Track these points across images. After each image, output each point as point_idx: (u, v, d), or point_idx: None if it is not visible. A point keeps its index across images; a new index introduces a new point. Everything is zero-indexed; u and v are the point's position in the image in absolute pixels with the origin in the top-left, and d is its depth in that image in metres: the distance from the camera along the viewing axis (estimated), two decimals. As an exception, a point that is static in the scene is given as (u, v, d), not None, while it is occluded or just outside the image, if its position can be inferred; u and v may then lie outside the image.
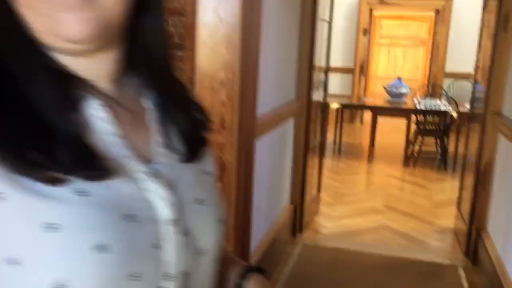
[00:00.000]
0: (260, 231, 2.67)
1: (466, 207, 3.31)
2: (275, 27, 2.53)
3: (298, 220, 3.42)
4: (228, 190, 2.02)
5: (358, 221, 3.83)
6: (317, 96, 3.69)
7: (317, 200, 3.96)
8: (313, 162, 3.79)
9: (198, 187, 0.59)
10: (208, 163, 0.65)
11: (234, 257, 0.73)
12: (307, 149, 3.36)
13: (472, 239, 3.15)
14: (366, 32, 8.24)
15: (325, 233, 3.56)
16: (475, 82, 3.47)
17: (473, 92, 3.46)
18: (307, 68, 3.20)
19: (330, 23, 3.70)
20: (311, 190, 3.81)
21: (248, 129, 2.06)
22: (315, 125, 3.75)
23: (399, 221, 3.84)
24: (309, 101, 3.28)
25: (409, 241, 3.47)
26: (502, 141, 2.82)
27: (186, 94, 0.65)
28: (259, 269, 0.70)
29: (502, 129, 2.75)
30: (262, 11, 2.01)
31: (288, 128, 3.14)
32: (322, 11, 3.55)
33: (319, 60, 3.71)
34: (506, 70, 2.86)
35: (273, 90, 2.65)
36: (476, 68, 3.43)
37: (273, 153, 2.81)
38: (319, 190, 3.96)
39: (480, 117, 3.13)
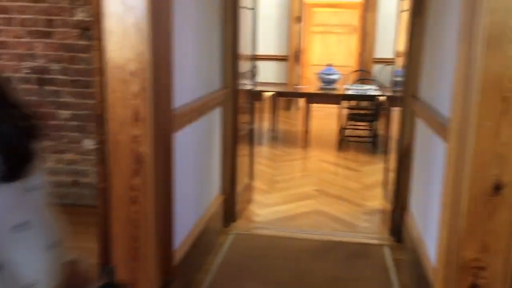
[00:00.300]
0: (188, 223, 2.63)
1: (391, 187, 3.43)
2: (192, 15, 2.48)
3: (229, 209, 3.41)
4: (146, 184, 1.96)
5: (291, 207, 3.88)
6: (250, 84, 3.68)
7: (250, 188, 3.97)
8: (245, 150, 3.79)
9: (19, 211, 0.53)
10: (37, 177, 0.58)
11: (89, 276, 0.68)
12: (236, 138, 3.35)
13: (396, 219, 3.27)
14: (299, 20, 8.33)
15: (258, 221, 3.57)
16: (396, 68, 3.59)
17: (394, 77, 3.58)
18: (231, 57, 3.18)
19: (254, 10, 3.69)
20: (243, 179, 3.81)
21: (165, 121, 2.01)
22: (246, 113, 3.75)
23: (331, 205, 3.93)
24: (236, 90, 3.26)
25: (340, 224, 3.56)
26: (419, 124, 2.93)
27: (7, 103, 0.55)
28: (116, 286, 0.65)
29: (418, 112, 2.87)
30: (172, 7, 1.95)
31: (215, 117, 3.11)
32: (246, -1, 3.52)
33: (248, 48, 3.70)
34: (421, 55, 2.97)
35: (194, 79, 2.60)
36: (396, 53, 3.55)
37: (199, 144, 2.77)
38: (251, 178, 3.97)
39: (400, 100, 3.24)
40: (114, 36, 1.85)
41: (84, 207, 3.53)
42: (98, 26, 1.87)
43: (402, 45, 3.35)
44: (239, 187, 3.58)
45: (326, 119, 7.65)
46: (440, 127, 2.30)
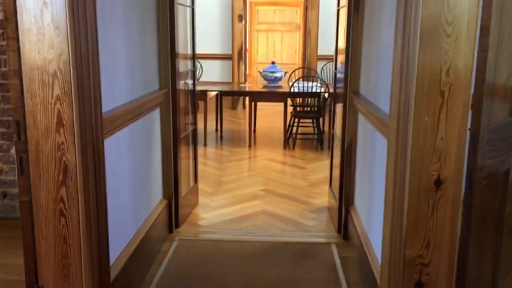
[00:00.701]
0: (126, 234, 2.48)
1: (336, 184, 3.42)
2: (121, 11, 2.33)
3: (173, 215, 3.27)
4: (74, 195, 1.80)
5: (237, 208, 3.79)
6: (191, 84, 3.55)
7: (195, 191, 3.84)
8: (188, 152, 3.66)
9: None
10: None
11: None
12: (176, 140, 3.22)
13: (342, 216, 3.26)
14: (242, 18, 8.25)
15: (204, 225, 3.46)
16: (337, 64, 3.58)
17: (335, 73, 3.57)
18: (168, 56, 3.04)
19: (192, 8, 3.56)
20: (188, 182, 3.69)
21: (93, 126, 1.86)
22: (188, 114, 3.62)
23: (278, 205, 3.88)
24: (175, 90, 3.13)
25: (287, 224, 3.51)
26: (361, 120, 2.93)
27: None
28: None
29: (360, 108, 2.86)
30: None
31: (154, 119, 2.97)
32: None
33: (187, 47, 3.57)
34: (359, 51, 2.97)
35: (127, 80, 2.45)
36: (336, 49, 3.54)
37: (136, 148, 2.63)
38: (195, 180, 3.85)
39: (341, 97, 3.23)
40: (30, 35, 1.69)
41: (14, 220, 3.28)
42: (12, 23, 1.69)
43: (341, 42, 3.35)
44: (183, 191, 3.45)
45: (272, 117, 7.64)
46: (380, 123, 2.28)
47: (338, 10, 3.45)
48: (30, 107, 1.74)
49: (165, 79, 3.08)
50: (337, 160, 3.48)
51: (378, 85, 2.46)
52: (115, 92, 2.26)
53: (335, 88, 3.63)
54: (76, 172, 1.79)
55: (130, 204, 2.55)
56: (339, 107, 3.39)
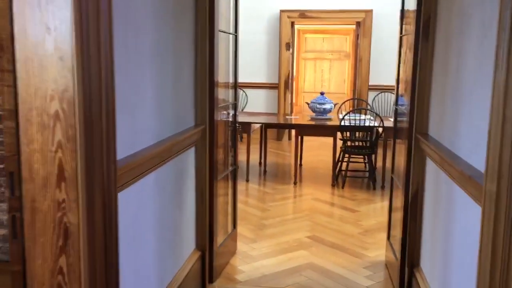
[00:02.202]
0: (148, 298, 2.10)
1: (396, 234, 2.93)
2: (150, 41, 2.00)
3: (207, 268, 2.87)
4: (76, 266, 1.44)
5: (280, 260, 3.34)
6: (233, 116, 3.20)
7: (233, 237, 3.44)
8: (227, 194, 3.28)
9: None
10: None
11: None
12: (213, 183, 2.84)
13: (405, 278, 2.75)
14: (289, 46, 7.94)
15: (241, 280, 3.03)
16: (398, 95, 3.13)
17: (396, 106, 3.11)
18: (206, 88, 2.70)
19: (236, 36, 3.23)
20: (226, 227, 3.29)
21: (104, 178, 1.51)
22: (227, 152, 3.26)
23: (326, 257, 3.40)
24: (212, 125, 2.77)
25: (337, 282, 3.02)
26: (430, 166, 2.45)
27: None
28: None
29: (429, 153, 2.38)
30: (111, 13, 1.47)
31: (187, 161, 2.61)
32: (226, 23, 3.08)
33: (229, 77, 3.24)
34: (430, 85, 2.51)
35: (156, 119, 2.11)
36: (398, 80, 3.09)
37: (163, 196, 2.26)
38: (234, 225, 3.45)
39: (404, 135, 2.77)
40: (29, 67, 1.37)
41: None
42: (8, 53, 1.38)
43: (404, 72, 2.90)
44: (220, 238, 3.06)
45: (320, 149, 7.19)
46: (461, 176, 1.82)
47: (401, 38, 3.01)
48: (26, 155, 1.41)
49: (201, 114, 2.74)
50: (397, 208, 2.99)
51: (457, 128, 2.00)
52: (138, 134, 1.91)
53: (395, 123, 3.16)
54: (79, 237, 1.43)
55: (155, 263, 2.17)
56: (400, 147, 2.92)
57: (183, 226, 2.60)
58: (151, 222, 2.11)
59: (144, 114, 1.98)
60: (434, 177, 2.37)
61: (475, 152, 1.74)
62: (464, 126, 1.91)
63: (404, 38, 2.95)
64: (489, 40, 1.60)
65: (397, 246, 2.87)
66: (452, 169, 1.95)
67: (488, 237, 1.39)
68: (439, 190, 2.27)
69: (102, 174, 1.49)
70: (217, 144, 2.88)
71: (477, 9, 1.78)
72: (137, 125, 1.90)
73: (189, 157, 2.64)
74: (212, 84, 2.72)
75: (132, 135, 1.84)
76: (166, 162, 2.21)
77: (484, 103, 1.57)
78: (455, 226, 1.97)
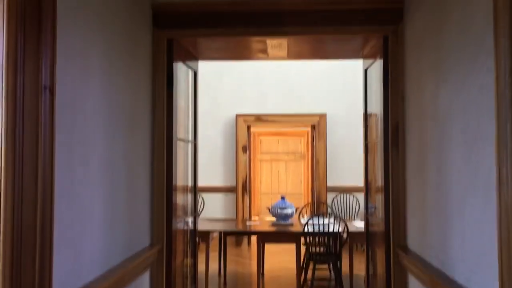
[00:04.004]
0: None
1: None
2: (100, 155, 1.77)
3: None
4: None
5: None
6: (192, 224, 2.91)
7: None
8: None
9: None
10: None
11: None
12: (171, 312, 2.46)
13: None
14: (246, 149, 7.90)
15: None
16: (366, 200, 2.98)
17: (366, 210, 2.95)
18: (164, 209, 2.43)
19: (195, 144, 3.06)
20: None
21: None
22: (186, 269, 2.91)
23: None
24: (170, 242, 2.46)
25: None
26: (414, 284, 2.22)
27: None
28: None
29: (414, 271, 2.16)
30: (54, 128, 1.24)
31: (141, 286, 2.25)
32: (185, 131, 2.91)
33: (187, 182, 3.00)
34: (404, 194, 2.37)
35: (104, 243, 1.80)
36: (366, 184, 2.96)
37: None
38: None
39: (378, 244, 2.56)
40: None
41: None
42: None
43: (372, 178, 2.78)
44: None
45: (282, 255, 6.83)
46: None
47: (366, 144, 2.93)
48: None
49: (158, 230, 2.44)
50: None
51: (448, 245, 1.81)
52: (83, 266, 1.60)
53: (366, 229, 2.97)
54: None
55: None
56: (374, 256, 2.70)
57: None
58: None
59: (91, 243, 1.68)
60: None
61: (474, 272, 1.53)
62: (456, 244, 1.72)
63: (370, 145, 2.87)
64: (478, 154, 1.48)
65: None
66: (445, 292, 1.73)
67: None
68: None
69: (30, 330, 1.16)
70: (175, 264, 2.55)
71: (458, 118, 1.68)
72: (82, 257, 1.59)
73: (144, 284, 2.29)
74: (169, 197, 2.47)
75: (76, 268, 1.52)
76: (115, 295, 1.86)
77: (480, 218, 1.41)
78: None
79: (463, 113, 1.63)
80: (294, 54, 3.15)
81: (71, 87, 1.48)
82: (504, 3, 1.25)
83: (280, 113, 7.77)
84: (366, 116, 2.98)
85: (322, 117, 7.69)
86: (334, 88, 7.65)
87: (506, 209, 1.16)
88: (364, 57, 2.94)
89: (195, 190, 3.06)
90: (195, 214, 3.06)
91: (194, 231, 3.05)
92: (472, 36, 1.54)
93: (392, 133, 2.41)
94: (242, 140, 7.85)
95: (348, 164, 7.23)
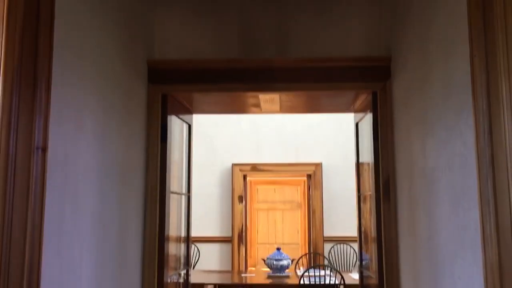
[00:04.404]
0: None
1: None
2: (91, 215, 1.78)
3: None
4: None
5: None
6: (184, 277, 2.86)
7: None
8: None
9: None
10: None
11: None
12: None
13: None
14: (242, 199, 7.88)
15: None
16: (361, 251, 2.95)
17: (360, 263, 2.91)
18: (155, 267, 2.41)
19: (188, 196, 3.07)
20: None
21: None
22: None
23: None
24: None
25: None
26: None
27: None
28: None
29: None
30: (45, 186, 1.26)
31: None
32: (178, 182, 2.93)
33: (179, 237, 2.98)
34: (396, 246, 2.36)
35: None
36: (360, 236, 2.94)
37: None
38: None
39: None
40: None
41: None
42: None
43: (366, 229, 2.78)
44: None
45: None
46: None
47: (359, 196, 2.94)
48: None
49: (148, 286, 2.41)
50: None
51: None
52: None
53: (361, 280, 2.92)
54: None
55: None
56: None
57: None
58: None
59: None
60: None
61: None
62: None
63: (362, 197, 2.88)
64: (465, 210, 1.50)
65: None
66: None
67: None
68: None
69: None
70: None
71: (445, 172, 1.71)
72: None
73: None
74: (161, 251, 2.45)
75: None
76: None
77: (470, 274, 1.40)
78: None
79: (448, 167, 1.66)
80: (286, 108, 3.22)
81: (63, 146, 1.51)
82: (480, 63, 1.31)
83: (276, 162, 7.81)
84: (358, 168, 3.01)
85: (318, 166, 7.74)
86: (329, 138, 7.73)
87: (491, 267, 1.17)
88: (355, 111, 3.01)
89: (188, 242, 3.04)
90: (188, 266, 3.02)
91: (187, 284, 3.00)
92: (454, 92, 1.60)
93: (383, 187, 2.44)
94: (238, 189, 7.85)
95: (344, 213, 7.18)
